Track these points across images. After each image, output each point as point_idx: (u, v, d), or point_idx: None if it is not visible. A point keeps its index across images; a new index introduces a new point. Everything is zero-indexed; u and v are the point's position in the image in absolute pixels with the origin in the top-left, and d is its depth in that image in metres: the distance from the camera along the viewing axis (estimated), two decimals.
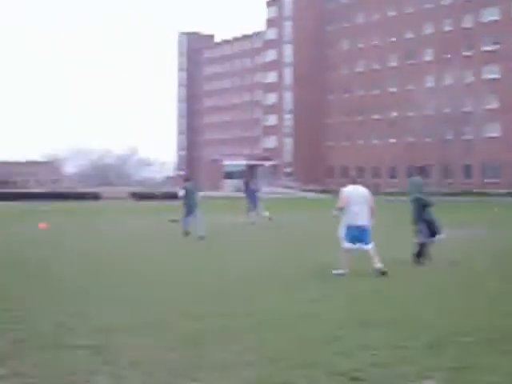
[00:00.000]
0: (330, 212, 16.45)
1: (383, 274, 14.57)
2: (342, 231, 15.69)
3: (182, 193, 28.55)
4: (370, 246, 15.15)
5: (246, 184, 36.34)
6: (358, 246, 15.29)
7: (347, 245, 15.24)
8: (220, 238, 25.36)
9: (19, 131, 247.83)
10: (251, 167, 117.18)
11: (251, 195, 34.62)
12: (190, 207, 26.86)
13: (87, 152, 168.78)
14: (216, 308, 10.99)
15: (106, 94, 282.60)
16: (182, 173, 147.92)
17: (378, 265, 14.85)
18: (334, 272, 14.86)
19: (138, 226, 31.99)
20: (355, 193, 15.60)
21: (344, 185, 16.04)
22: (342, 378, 6.92)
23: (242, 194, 39.53)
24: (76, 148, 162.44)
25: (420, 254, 16.53)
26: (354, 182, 16.29)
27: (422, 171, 18.25)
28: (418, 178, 17.37)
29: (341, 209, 15.56)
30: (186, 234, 26.56)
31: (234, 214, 40.18)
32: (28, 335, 9.01)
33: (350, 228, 15.33)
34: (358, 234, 15.24)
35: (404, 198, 61.08)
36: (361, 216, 15.28)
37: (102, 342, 8.60)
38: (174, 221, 32.18)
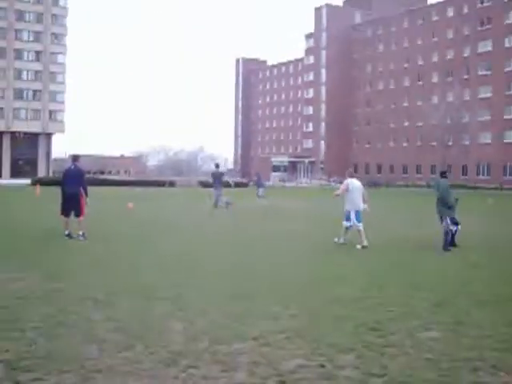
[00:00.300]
0: (331, 195, 16.55)
1: (364, 248, 14.71)
2: (352, 216, 15.44)
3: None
4: (361, 225, 15.32)
5: (259, 178, 38.03)
6: (349, 224, 15.48)
7: (346, 223, 15.54)
8: (266, 214, 23.82)
9: (115, 132, 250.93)
10: (293, 163, 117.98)
11: (261, 185, 36.64)
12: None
13: (165, 149, 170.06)
14: (263, 271, 10.84)
15: (182, 104, 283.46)
16: (239, 166, 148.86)
17: (364, 243, 14.91)
18: (336, 240, 15.48)
19: (203, 206, 30.29)
20: (354, 184, 15.78)
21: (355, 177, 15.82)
22: (364, 328, 6.90)
23: (285, 184, 40.82)
24: (157, 146, 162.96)
25: (446, 240, 14.81)
26: (352, 176, 16.41)
27: (447, 174, 16.60)
28: (444, 181, 15.78)
29: (338, 195, 15.95)
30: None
31: (279, 198, 40.30)
32: (120, 289, 9.02)
33: (349, 212, 15.52)
34: (355, 215, 15.43)
35: (413, 189, 61.08)
36: (358, 202, 15.56)
37: (176, 295, 8.59)
38: (227, 203, 31.33)
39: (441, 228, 15.16)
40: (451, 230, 15.13)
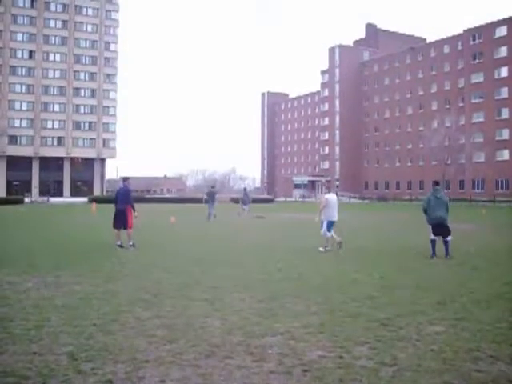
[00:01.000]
0: (315, 217, 16.12)
1: (340, 245, 15.13)
2: (324, 226, 15.62)
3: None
4: (331, 234, 15.58)
5: (245, 194, 38.07)
6: (323, 232, 15.61)
7: (329, 234, 15.56)
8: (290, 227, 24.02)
9: (159, 156, 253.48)
10: (312, 181, 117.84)
11: (247, 201, 36.55)
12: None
13: (202, 171, 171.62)
14: (288, 275, 10.78)
15: (217, 132, 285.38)
16: (265, 184, 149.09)
17: (329, 247, 15.36)
18: (323, 249, 15.22)
19: (235, 219, 30.69)
20: (332, 198, 15.88)
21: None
22: (376, 323, 6.87)
23: (305, 199, 40.32)
24: (195, 168, 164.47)
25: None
26: (330, 191, 16.72)
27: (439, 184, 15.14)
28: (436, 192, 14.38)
29: (321, 210, 15.82)
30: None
31: (300, 211, 40.50)
32: (166, 289, 9.10)
33: (329, 222, 15.58)
34: (327, 225, 15.53)
35: (417, 202, 60.53)
36: (335, 214, 15.70)
37: (213, 296, 8.59)
38: (259, 217, 32.55)
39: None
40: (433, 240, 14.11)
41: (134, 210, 16.38)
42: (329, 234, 15.66)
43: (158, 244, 17.24)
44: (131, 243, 16.00)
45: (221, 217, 34.14)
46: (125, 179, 17.03)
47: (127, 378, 4.94)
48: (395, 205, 70.73)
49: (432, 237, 14.18)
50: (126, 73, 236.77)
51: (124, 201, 16.27)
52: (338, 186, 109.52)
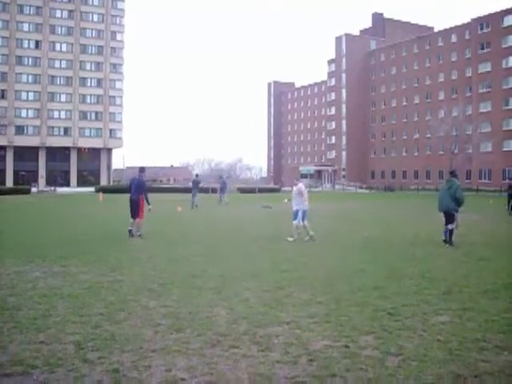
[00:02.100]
0: (283, 200, 16.02)
1: (294, 240, 14.94)
2: (299, 215, 15.44)
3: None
4: (303, 223, 15.52)
5: (223, 183, 38.39)
6: (298, 221, 15.45)
7: (302, 223, 15.48)
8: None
9: (165, 145, 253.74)
10: (318, 171, 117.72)
11: (224, 191, 37.39)
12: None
13: (208, 160, 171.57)
14: (294, 265, 10.78)
15: (223, 121, 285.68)
16: (271, 174, 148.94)
17: (311, 232, 15.29)
18: (290, 239, 15.12)
19: (243, 209, 30.29)
20: (303, 188, 15.77)
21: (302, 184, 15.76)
22: (382, 313, 6.89)
23: (311, 189, 40.36)
24: (201, 158, 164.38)
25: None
26: (301, 181, 16.52)
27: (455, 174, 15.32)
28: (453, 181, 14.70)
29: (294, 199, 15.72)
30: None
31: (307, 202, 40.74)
32: (172, 279, 9.12)
33: (305, 211, 15.55)
34: (302, 214, 15.47)
35: (423, 192, 60.49)
36: (306, 203, 15.62)
37: (219, 286, 8.63)
38: (266, 206, 32.43)
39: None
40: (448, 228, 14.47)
41: (148, 203, 16.46)
42: (301, 224, 15.57)
43: (165, 233, 17.25)
44: (139, 233, 16.11)
45: (229, 206, 34.22)
46: (141, 170, 17.07)
47: (134, 366, 4.97)
48: (402, 194, 70.54)
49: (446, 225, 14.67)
50: (132, 62, 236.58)
51: (137, 191, 16.37)
52: (344, 176, 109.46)
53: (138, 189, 16.39)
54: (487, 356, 5.29)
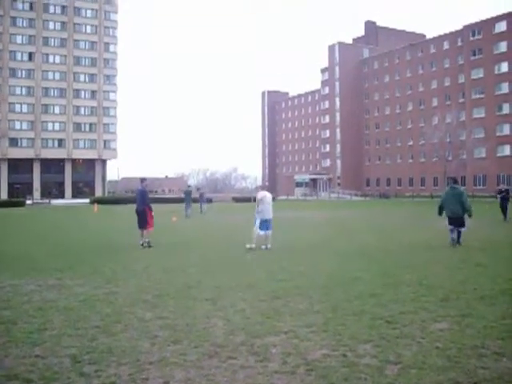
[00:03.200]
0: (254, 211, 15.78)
1: (267, 249, 14.97)
2: (257, 223, 15.56)
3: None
4: (270, 232, 15.49)
5: (201, 195, 38.87)
6: (264, 232, 15.46)
7: (260, 232, 15.46)
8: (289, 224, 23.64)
9: (160, 156, 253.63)
10: (313, 179, 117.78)
11: (204, 201, 38.72)
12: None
13: (203, 170, 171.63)
14: (290, 274, 10.73)
15: (218, 132, 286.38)
16: (266, 183, 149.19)
17: (269, 245, 15.28)
18: (249, 246, 15.17)
19: (237, 218, 29.70)
20: (267, 196, 15.77)
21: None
22: (380, 321, 6.85)
23: (307, 197, 40.57)
24: (196, 168, 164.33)
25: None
26: (263, 189, 16.54)
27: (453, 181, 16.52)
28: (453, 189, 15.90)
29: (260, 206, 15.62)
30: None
31: (302, 211, 40.50)
32: (168, 290, 9.08)
33: (263, 220, 15.49)
34: (266, 224, 15.46)
35: (418, 199, 60.45)
36: (268, 212, 15.53)
37: (215, 296, 8.59)
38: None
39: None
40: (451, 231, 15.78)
41: (151, 210, 16.74)
42: (257, 232, 15.54)
43: (160, 244, 17.21)
44: (147, 240, 16.40)
45: (222, 216, 34.20)
46: (142, 180, 17.29)
47: (131, 379, 4.92)
48: (397, 201, 70.68)
49: (449, 227, 15.78)
50: (125, 73, 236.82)
51: (142, 201, 16.60)
52: (339, 184, 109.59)
53: (141, 199, 16.65)
54: (486, 363, 5.26)
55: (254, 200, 17.17)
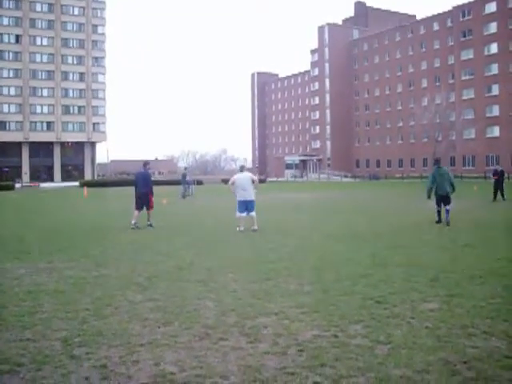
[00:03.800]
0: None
1: (254, 231, 14.89)
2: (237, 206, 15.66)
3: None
4: (253, 213, 15.35)
5: (184, 177, 39.40)
6: (245, 213, 15.41)
7: (238, 214, 15.49)
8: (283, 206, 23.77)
9: (150, 138, 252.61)
10: (303, 161, 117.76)
11: (187, 183, 38.81)
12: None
13: (193, 152, 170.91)
14: (280, 255, 10.67)
15: (208, 113, 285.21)
16: (256, 166, 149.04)
17: (255, 227, 15.17)
18: (238, 229, 15.20)
19: (226, 199, 29.82)
20: (242, 178, 15.51)
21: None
22: (370, 301, 6.88)
23: (297, 179, 41.67)
24: (186, 150, 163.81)
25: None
26: (242, 171, 16.08)
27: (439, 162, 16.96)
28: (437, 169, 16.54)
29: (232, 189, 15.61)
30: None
31: (292, 192, 40.47)
32: (159, 272, 9.06)
33: (240, 202, 15.45)
34: (246, 206, 15.35)
35: (408, 180, 60.91)
36: (248, 193, 15.37)
37: (207, 278, 8.58)
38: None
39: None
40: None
41: (152, 194, 17.26)
42: (237, 215, 15.64)
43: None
44: (149, 223, 16.95)
45: (212, 198, 34.20)
46: (145, 164, 17.68)
47: (122, 362, 4.91)
48: (387, 183, 70.91)
49: (437, 207, 16.59)
50: (114, 55, 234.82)
51: (145, 184, 17.04)
52: (329, 165, 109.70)
53: (145, 182, 17.09)
54: (476, 342, 5.30)
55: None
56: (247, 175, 15.87)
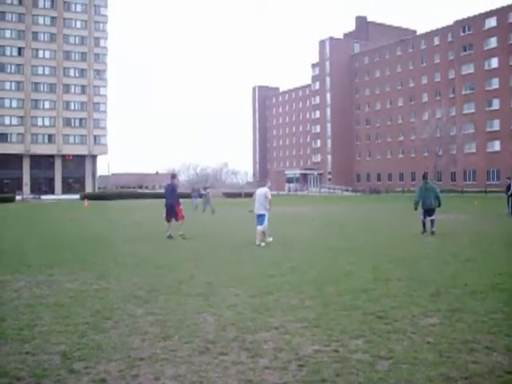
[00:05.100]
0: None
1: (259, 246, 14.94)
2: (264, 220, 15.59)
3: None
4: (259, 227, 15.37)
5: (198, 190, 40.94)
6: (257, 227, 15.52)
7: (257, 228, 15.59)
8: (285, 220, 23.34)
9: (150, 152, 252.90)
10: (304, 175, 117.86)
11: (198, 197, 39.55)
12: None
13: (194, 166, 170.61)
14: (281, 269, 10.63)
15: (209, 127, 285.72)
16: (257, 180, 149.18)
17: (258, 242, 15.17)
18: (257, 243, 15.21)
19: (229, 213, 30.50)
20: (258, 192, 16.00)
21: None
22: (371, 316, 6.84)
23: (297, 192, 41.75)
24: (187, 163, 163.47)
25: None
26: (259, 186, 16.80)
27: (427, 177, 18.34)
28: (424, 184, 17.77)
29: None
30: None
31: (293, 206, 40.42)
32: (157, 288, 8.93)
33: (255, 215, 15.82)
34: (257, 220, 15.57)
35: (408, 194, 60.70)
36: (258, 207, 15.70)
37: (207, 292, 8.56)
38: (251, 211, 32.86)
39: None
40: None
41: (179, 205, 17.81)
42: (260, 228, 15.58)
43: (151, 239, 17.14)
44: (181, 233, 17.40)
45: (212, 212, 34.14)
46: (173, 176, 18.51)
47: (121, 376, 4.89)
48: (387, 197, 70.91)
49: (423, 219, 17.78)
50: (116, 68, 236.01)
51: (172, 196, 17.61)
52: (330, 179, 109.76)
53: (172, 194, 17.64)
54: (477, 357, 5.27)
55: (245, 195, 17.40)
56: (263, 191, 16.09)
